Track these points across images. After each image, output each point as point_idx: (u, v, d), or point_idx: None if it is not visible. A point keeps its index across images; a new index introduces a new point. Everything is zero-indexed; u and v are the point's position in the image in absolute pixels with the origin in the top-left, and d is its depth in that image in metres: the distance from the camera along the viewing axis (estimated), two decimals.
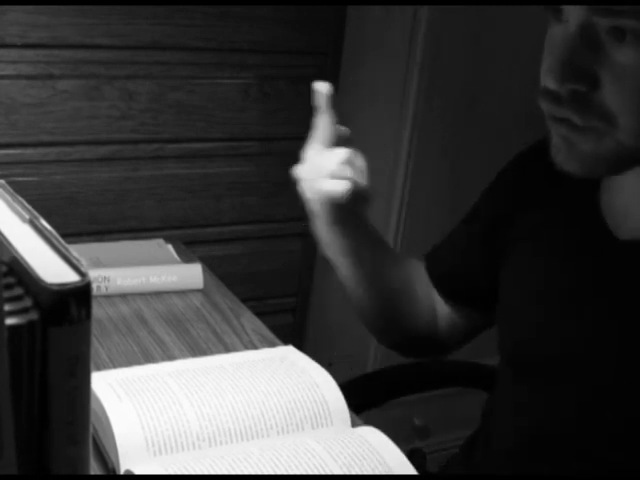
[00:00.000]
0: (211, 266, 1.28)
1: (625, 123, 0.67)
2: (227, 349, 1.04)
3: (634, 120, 0.66)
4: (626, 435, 0.76)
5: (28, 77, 1.24)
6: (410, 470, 0.78)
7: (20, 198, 0.50)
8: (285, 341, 1.08)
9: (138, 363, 0.99)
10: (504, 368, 0.92)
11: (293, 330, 1.63)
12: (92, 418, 0.46)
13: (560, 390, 0.82)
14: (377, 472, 0.77)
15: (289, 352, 0.97)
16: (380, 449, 0.79)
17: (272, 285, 1.58)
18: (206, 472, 0.73)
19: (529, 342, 0.87)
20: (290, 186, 1.57)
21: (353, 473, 0.76)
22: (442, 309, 1.03)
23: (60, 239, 0.46)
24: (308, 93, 1.48)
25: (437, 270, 1.03)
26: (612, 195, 0.77)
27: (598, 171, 0.71)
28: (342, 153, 0.87)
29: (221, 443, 0.81)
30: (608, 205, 0.78)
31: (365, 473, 0.76)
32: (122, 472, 0.76)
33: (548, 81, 0.68)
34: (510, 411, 0.89)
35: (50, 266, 0.43)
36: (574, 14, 0.67)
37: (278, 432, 0.84)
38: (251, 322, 1.11)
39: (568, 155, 0.71)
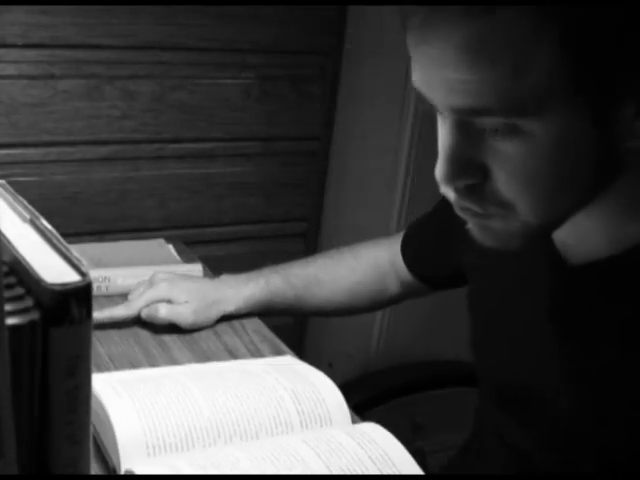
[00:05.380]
0: (212, 266, 1.28)
1: (521, 208, 0.66)
2: (228, 349, 1.04)
3: (529, 204, 0.65)
4: (595, 462, 0.77)
5: (29, 77, 1.24)
6: (412, 463, 0.78)
7: (21, 198, 0.50)
8: (286, 341, 1.08)
9: (139, 363, 0.99)
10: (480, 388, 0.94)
11: (293, 330, 1.63)
12: (92, 418, 0.46)
13: (526, 417, 0.84)
14: (379, 465, 0.77)
15: (288, 360, 0.97)
16: (382, 443, 0.80)
17: None
18: (206, 472, 0.73)
19: (487, 370, 0.90)
20: (291, 186, 1.57)
21: (356, 468, 0.76)
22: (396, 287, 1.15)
23: (61, 239, 0.46)
24: (309, 93, 1.49)
25: (409, 253, 1.12)
26: None
27: (514, 246, 0.70)
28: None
29: (221, 444, 0.81)
30: (556, 232, 0.77)
31: (368, 467, 0.77)
32: (122, 472, 0.76)
33: (439, 178, 0.67)
34: (489, 429, 0.91)
35: (51, 266, 0.43)
36: (445, 112, 0.65)
37: (278, 433, 0.84)
38: (252, 322, 1.11)
39: (481, 234, 0.70)
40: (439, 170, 0.67)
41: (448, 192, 0.68)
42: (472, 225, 0.71)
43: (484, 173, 0.66)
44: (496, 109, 0.61)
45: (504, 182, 0.65)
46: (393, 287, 1.14)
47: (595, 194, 0.68)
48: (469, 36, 0.59)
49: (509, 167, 0.64)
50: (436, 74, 0.63)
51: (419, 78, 0.65)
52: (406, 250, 1.11)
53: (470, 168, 0.65)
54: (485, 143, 0.64)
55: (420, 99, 0.67)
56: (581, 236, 0.73)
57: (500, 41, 0.59)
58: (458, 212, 0.70)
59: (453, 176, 0.66)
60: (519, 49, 0.59)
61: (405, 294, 1.15)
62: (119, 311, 1.05)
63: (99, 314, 1.03)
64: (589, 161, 0.64)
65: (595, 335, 0.74)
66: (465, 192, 0.67)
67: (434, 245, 1.07)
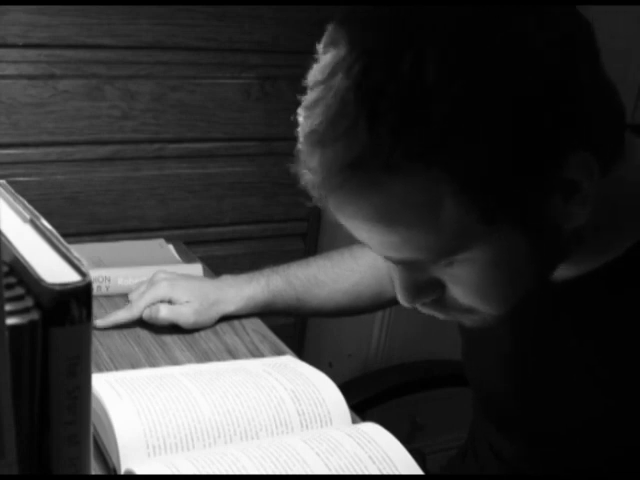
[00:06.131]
0: (212, 266, 1.28)
1: (483, 309, 0.67)
2: (228, 349, 1.04)
3: (489, 306, 0.67)
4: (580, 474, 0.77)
5: (29, 77, 1.24)
6: (411, 464, 0.78)
7: (21, 198, 0.50)
8: (286, 341, 1.08)
9: (139, 363, 0.99)
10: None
11: (294, 330, 1.63)
12: (92, 418, 0.46)
13: (512, 430, 0.84)
14: (379, 465, 0.77)
15: (288, 360, 0.97)
16: (382, 443, 0.80)
17: None
18: (206, 472, 0.73)
19: (478, 387, 0.91)
20: (291, 186, 1.56)
21: (356, 468, 0.76)
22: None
23: (61, 239, 0.46)
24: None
25: None
26: None
27: (489, 324, 0.71)
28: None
29: (221, 444, 0.81)
30: None
31: (368, 467, 0.77)
32: (122, 472, 0.76)
33: (401, 302, 0.69)
34: (484, 438, 0.91)
35: (51, 266, 0.43)
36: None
37: (278, 433, 0.84)
38: (252, 322, 1.11)
39: (458, 321, 0.72)
40: (399, 295, 0.68)
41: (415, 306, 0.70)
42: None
43: (442, 286, 0.67)
44: (424, 259, 0.63)
45: (460, 295, 0.67)
46: (391, 288, 1.14)
47: (553, 271, 0.69)
48: (373, 209, 0.60)
49: (460, 284, 0.66)
50: (360, 234, 0.64)
51: (349, 231, 0.66)
52: None
53: (426, 288, 0.67)
54: (431, 267, 0.66)
55: None
56: None
57: (402, 207, 0.59)
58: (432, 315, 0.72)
59: (413, 299, 0.68)
60: (422, 210, 0.59)
61: None
62: (121, 315, 1.05)
63: (103, 321, 1.03)
64: (534, 259, 0.65)
65: (569, 350, 0.74)
66: (429, 304, 0.69)
67: None
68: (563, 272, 0.71)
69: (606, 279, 0.70)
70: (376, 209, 0.60)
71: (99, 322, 1.03)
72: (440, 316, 0.71)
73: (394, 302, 1.17)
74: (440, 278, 0.67)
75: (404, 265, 0.66)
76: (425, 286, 0.67)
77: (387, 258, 0.66)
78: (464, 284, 0.66)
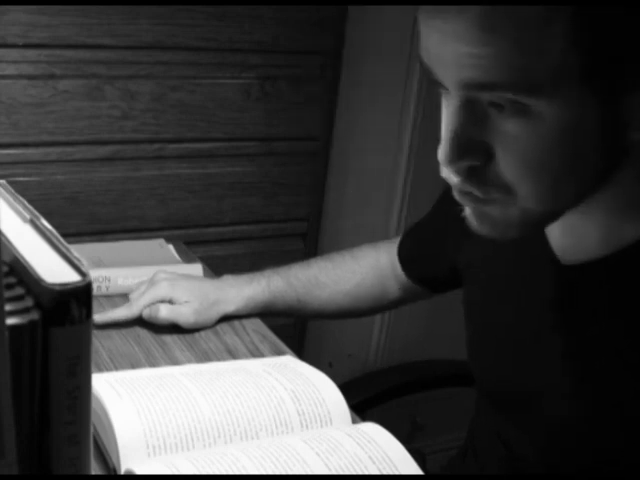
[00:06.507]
0: (212, 266, 1.28)
1: (523, 192, 0.65)
2: (228, 349, 1.04)
3: (531, 188, 0.65)
4: (594, 463, 0.77)
5: (29, 77, 1.24)
6: (411, 464, 0.78)
7: (21, 198, 0.50)
8: (286, 341, 1.08)
9: (139, 363, 0.99)
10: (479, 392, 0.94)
11: (294, 330, 1.63)
12: (92, 418, 0.46)
13: (526, 419, 0.83)
14: (379, 465, 0.77)
15: (288, 360, 0.97)
16: (382, 443, 0.80)
17: None
18: (206, 472, 0.73)
19: (486, 376, 0.90)
20: (291, 186, 1.56)
21: (356, 468, 0.76)
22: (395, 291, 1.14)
23: (61, 239, 0.46)
24: (309, 93, 1.49)
25: (406, 256, 1.12)
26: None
27: (511, 234, 0.70)
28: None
29: (221, 444, 0.81)
30: (549, 231, 0.77)
31: (368, 467, 0.77)
32: (122, 472, 0.76)
33: (442, 159, 0.66)
34: (487, 433, 0.91)
35: (51, 266, 0.43)
36: (453, 89, 0.65)
37: (278, 433, 0.84)
38: (252, 322, 1.11)
39: (480, 221, 0.70)
40: (442, 151, 0.66)
41: (449, 175, 0.67)
42: (470, 212, 0.70)
43: (487, 155, 0.65)
44: (507, 84, 0.61)
45: (507, 164, 0.64)
46: (393, 290, 1.14)
47: (596, 186, 0.67)
48: (483, 13, 0.59)
49: (514, 148, 0.64)
50: (447, 49, 0.62)
51: (429, 53, 0.64)
52: (402, 251, 1.11)
53: (473, 148, 0.65)
54: (490, 123, 0.64)
55: (427, 76, 0.67)
56: (577, 237, 0.73)
57: (514, 19, 0.59)
58: (457, 197, 0.70)
59: (456, 156, 0.65)
60: (533, 28, 0.59)
61: (405, 297, 1.15)
62: (120, 312, 1.05)
63: (100, 316, 1.04)
64: (594, 150, 0.64)
65: (594, 334, 0.74)
66: (467, 174, 0.66)
67: (430, 245, 1.07)
68: (585, 253, 0.71)
69: (634, 260, 0.70)
70: (488, 12, 0.59)
71: (97, 317, 1.03)
72: (469, 195, 0.68)
73: (394, 305, 1.17)
74: (491, 144, 0.64)
75: (465, 107, 0.64)
76: (473, 146, 0.65)
77: (461, 83, 0.63)
78: (520, 149, 0.63)
